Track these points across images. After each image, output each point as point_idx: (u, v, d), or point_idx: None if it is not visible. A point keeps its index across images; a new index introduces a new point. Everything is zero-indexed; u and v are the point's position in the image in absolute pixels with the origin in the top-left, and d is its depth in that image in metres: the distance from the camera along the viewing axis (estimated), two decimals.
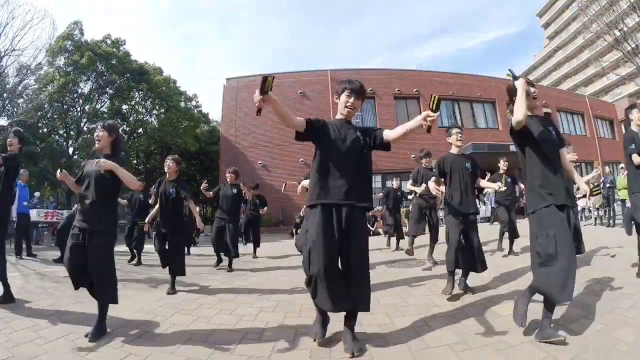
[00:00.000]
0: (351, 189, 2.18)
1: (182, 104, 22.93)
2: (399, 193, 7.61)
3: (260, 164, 16.55)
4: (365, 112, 17.65)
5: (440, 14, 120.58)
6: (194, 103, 25.84)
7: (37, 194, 10.52)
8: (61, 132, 19.84)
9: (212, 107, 73.85)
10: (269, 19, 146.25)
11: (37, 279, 4.53)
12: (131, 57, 20.03)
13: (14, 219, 6.69)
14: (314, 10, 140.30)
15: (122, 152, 2.97)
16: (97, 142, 2.69)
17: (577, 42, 36.29)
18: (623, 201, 9.29)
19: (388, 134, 2.29)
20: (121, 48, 19.92)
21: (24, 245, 6.85)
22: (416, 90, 17.78)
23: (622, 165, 11.75)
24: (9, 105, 16.13)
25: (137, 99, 21.39)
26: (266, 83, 1.89)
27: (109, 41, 19.72)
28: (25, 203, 7.01)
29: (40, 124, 18.50)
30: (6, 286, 3.25)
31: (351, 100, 2.44)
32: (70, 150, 19.10)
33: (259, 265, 5.94)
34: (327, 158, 2.25)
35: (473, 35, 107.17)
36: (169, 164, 4.12)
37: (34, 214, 8.74)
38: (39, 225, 9.60)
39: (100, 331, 2.41)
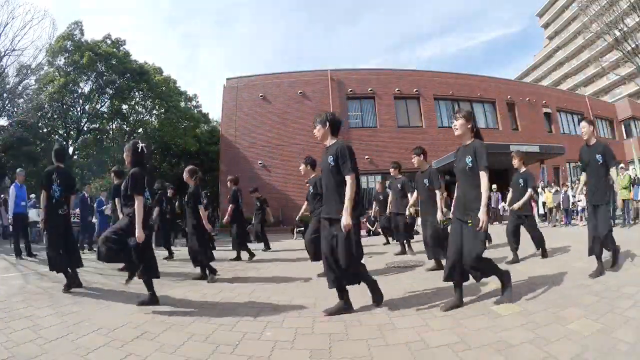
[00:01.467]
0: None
1: (182, 104, 22.96)
2: (380, 197, 7.64)
3: (260, 164, 16.55)
4: (365, 112, 17.67)
5: (440, 14, 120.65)
6: (194, 103, 25.88)
7: (32, 195, 10.51)
8: (61, 132, 19.85)
9: (212, 107, 73.92)
10: (269, 19, 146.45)
11: (37, 279, 4.53)
12: (131, 57, 20.06)
13: (9, 221, 6.71)
14: (314, 10, 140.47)
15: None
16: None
17: (577, 42, 36.33)
18: (623, 201, 9.29)
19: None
20: (121, 48, 19.94)
21: (23, 245, 6.84)
22: (416, 90, 17.78)
23: (622, 165, 11.76)
24: (9, 105, 16.14)
25: (137, 99, 21.41)
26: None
27: (109, 41, 19.75)
28: (22, 203, 7.00)
29: (40, 124, 18.52)
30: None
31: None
32: (70, 150, 19.10)
33: (258, 265, 5.95)
34: None
35: (473, 35, 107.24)
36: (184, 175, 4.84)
37: (34, 214, 8.73)
38: (38, 225, 9.60)
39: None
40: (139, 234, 2.95)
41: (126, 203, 3.20)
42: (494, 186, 14.07)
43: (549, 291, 3.18)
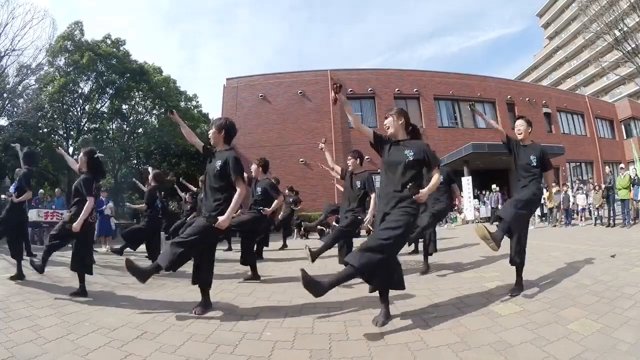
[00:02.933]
0: None
1: (182, 104, 22.95)
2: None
3: None
4: (365, 112, 17.66)
5: (441, 14, 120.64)
6: (194, 103, 25.86)
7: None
8: (61, 132, 19.86)
9: (212, 107, 73.84)
10: (270, 19, 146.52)
11: (37, 279, 4.52)
12: (131, 57, 20.07)
13: None
14: (315, 9, 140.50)
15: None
16: None
17: (577, 42, 36.30)
18: (623, 201, 9.30)
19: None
20: (121, 48, 19.96)
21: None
22: (416, 90, 17.78)
23: (622, 165, 11.76)
24: (9, 105, 16.13)
25: (137, 99, 21.41)
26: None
27: (109, 41, 19.76)
28: None
29: (40, 124, 18.52)
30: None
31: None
32: (70, 150, 19.10)
33: (258, 265, 5.95)
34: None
35: (473, 35, 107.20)
36: None
37: (34, 214, 8.73)
38: (43, 225, 9.61)
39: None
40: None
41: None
42: (494, 186, 14.08)
43: (549, 291, 3.18)
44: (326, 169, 5.28)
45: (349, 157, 4.64)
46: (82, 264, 3.52)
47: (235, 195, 2.93)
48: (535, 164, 3.37)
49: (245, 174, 3.19)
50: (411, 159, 2.65)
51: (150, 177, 5.99)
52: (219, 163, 3.02)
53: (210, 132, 3.22)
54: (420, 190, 2.58)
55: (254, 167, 5.17)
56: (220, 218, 2.83)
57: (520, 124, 3.54)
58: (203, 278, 2.98)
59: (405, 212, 2.52)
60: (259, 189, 4.90)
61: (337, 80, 2.77)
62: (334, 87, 2.65)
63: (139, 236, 5.73)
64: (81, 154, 3.88)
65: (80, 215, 3.42)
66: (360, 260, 2.33)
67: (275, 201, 4.83)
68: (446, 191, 4.84)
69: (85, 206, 3.45)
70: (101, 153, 3.97)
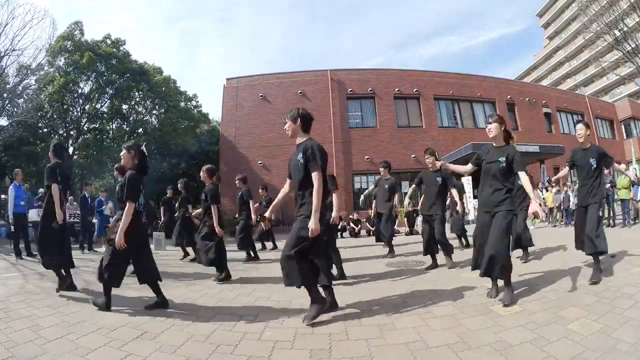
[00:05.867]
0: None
1: (182, 104, 22.91)
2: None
3: (260, 163, 16.55)
4: (365, 112, 17.66)
5: (441, 14, 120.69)
6: (193, 103, 25.82)
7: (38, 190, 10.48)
8: (61, 132, 19.84)
9: (212, 107, 73.86)
10: (270, 18, 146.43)
11: (37, 279, 4.53)
12: (131, 57, 20.05)
13: (10, 221, 6.67)
14: (315, 8, 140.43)
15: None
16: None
17: (577, 42, 36.31)
18: (623, 201, 9.29)
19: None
20: (121, 48, 19.92)
21: (23, 246, 6.84)
22: (416, 90, 17.78)
23: (622, 165, 11.76)
24: (9, 105, 16.12)
25: (137, 99, 21.38)
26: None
27: (109, 41, 19.73)
28: (22, 203, 6.99)
29: (40, 124, 18.50)
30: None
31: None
32: (70, 150, 19.09)
33: (258, 265, 5.95)
34: None
35: (474, 34, 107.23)
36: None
37: (34, 214, 8.72)
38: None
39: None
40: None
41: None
42: None
43: (549, 291, 3.18)
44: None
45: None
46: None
47: (314, 192, 2.62)
48: (595, 166, 3.62)
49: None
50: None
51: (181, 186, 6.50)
52: (300, 156, 2.74)
53: (286, 125, 2.85)
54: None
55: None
56: (310, 222, 2.57)
57: (580, 128, 3.75)
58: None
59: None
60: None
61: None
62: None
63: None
64: (124, 150, 3.28)
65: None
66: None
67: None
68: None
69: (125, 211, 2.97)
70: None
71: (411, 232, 11.08)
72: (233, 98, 17.34)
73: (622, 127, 23.51)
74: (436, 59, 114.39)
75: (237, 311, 3.03)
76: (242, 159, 16.53)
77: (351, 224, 12.28)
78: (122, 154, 3.27)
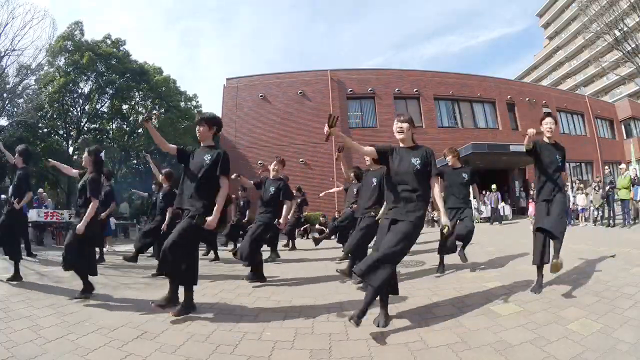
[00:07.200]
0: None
1: (182, 104, 22.95)
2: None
3: (260, 164, 16.53)
4: (365, 112, 17.67)
5: (442, 13, 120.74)
6: (194, 103, 25.87)
7: (40, 190, 10.50)
8: (61, 132, 19.86)
9: (212, 107, 73.77)
10: (270, 18, 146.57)
11: (37, 279, 4.52)
12: (131, 57, 20.08)
13: None
14: (316, 8, 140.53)
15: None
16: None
17: (577, 42, 36.28)
18: (623, 201, 9.29)
19: None
20: (121, 48, 19.96)
21: (23, 246, 6.83)
22: (416, 90, 17.78)
23: (622, 165, 11.76)
24: (9, 105, 16.13)
25: (137, 99, 21.42)
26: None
27: (109, 41, 19.76)
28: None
29: (40, 124, 18.52)
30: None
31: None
32: (70, 150, 19.11)
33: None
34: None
35: (474, 34, 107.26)
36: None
37: (34, 214, 8.72)
38: (49, 227, 9.62)
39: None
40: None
41: None
42: (494, 186, 14.09)
43: (549, 291, 3.18)
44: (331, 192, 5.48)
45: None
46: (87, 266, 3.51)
47: (220, 194, 2.87)
48: (560, 164, 3.44)
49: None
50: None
51: (162, 178, 5.80)
52: (208, 157, 2.91)
53: (201, 128, 3.04)
54: None
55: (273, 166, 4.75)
56: (209, 218, 2.78)
57: (550, 122, 3.47)
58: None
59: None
60: (272, 189, 4.51)
61: (334, 113, 2.59)
62: (330, 121, 2.47)
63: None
64: (85, 153, 3.78)
65: (84, 217, 3.33)
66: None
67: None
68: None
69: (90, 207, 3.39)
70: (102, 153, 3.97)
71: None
72: (233, 98, 17.33)
73: (622, 127, 23.49)
74: (436, 59, 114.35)
75: (237, 311, 3.03)
76: (242, 159, 16.52)
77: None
78: (83, 156, 3.75)
